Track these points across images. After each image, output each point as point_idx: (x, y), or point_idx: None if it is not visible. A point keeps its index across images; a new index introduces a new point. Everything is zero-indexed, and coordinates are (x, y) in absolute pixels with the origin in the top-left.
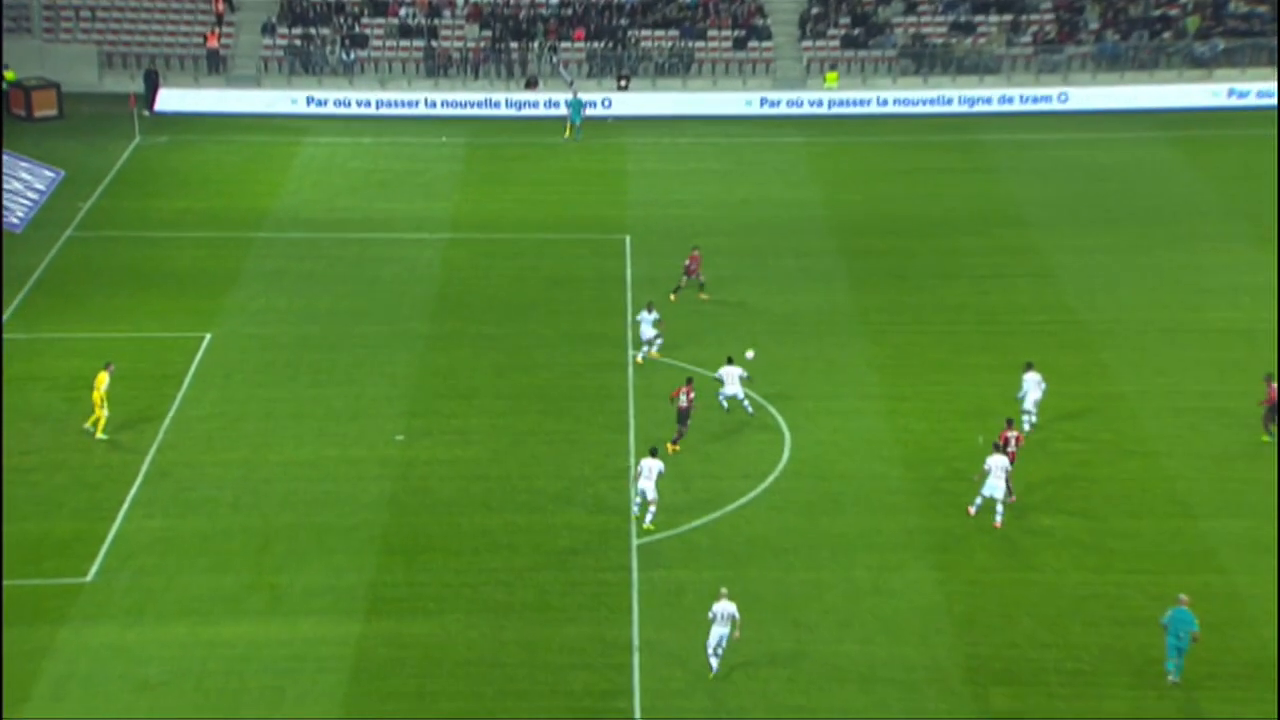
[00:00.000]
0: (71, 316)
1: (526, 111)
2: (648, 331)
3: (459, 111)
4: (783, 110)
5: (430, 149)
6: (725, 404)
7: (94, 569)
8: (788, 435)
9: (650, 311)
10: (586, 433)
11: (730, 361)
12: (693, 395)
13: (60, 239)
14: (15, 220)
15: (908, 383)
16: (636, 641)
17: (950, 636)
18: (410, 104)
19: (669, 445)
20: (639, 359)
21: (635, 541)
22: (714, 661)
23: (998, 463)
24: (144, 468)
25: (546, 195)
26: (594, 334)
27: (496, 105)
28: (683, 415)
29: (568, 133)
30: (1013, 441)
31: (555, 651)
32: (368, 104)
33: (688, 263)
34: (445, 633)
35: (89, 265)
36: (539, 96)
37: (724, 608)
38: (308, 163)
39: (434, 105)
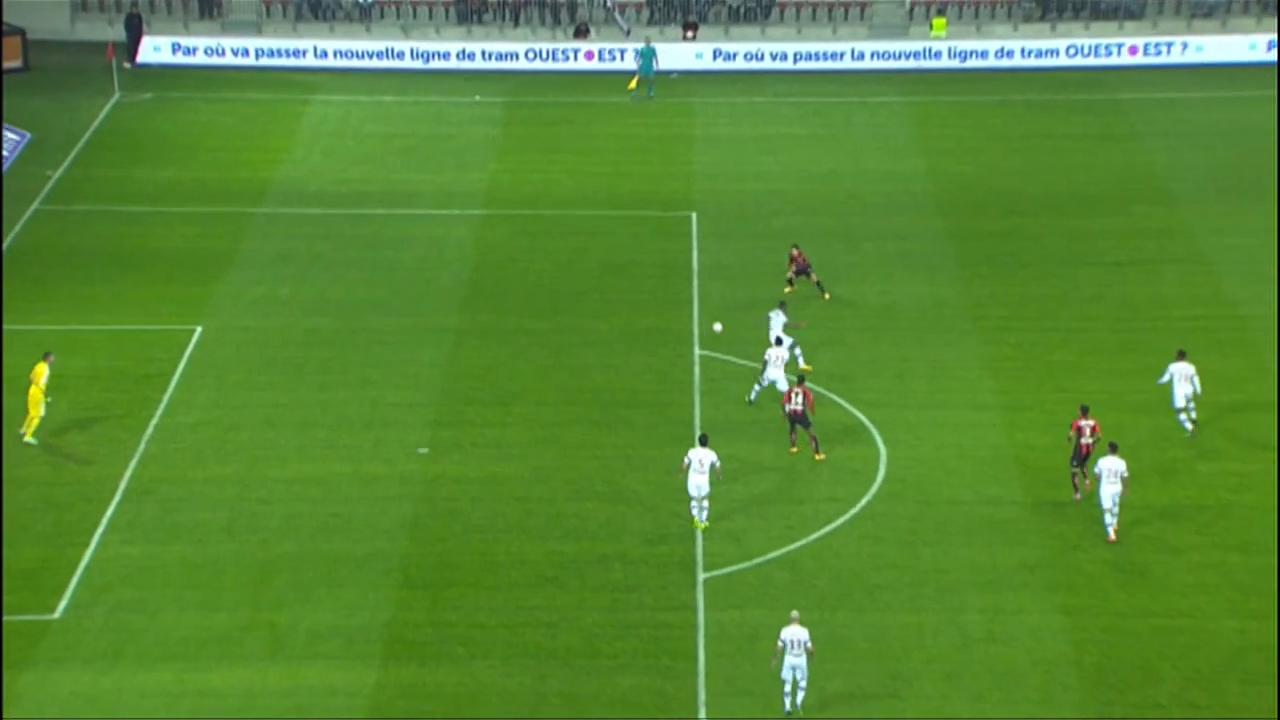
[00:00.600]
0: (38, 305)
1: (575, 64)
2: (779, 334)
3: (495, 65)
4: (880, 64)
5: (462, 109)
6: (755, 396)
7: (63, 604)
8: (883, 450)
9: (780, 313)
10: (645, 447)
11: (779, 342)
12: (803, 395)
13: (25, 214)
14: None
15: (1028, 389)
16: (703, 696)
17: (1078, 694)
18: (439, 55)
19: (791, 449)
20: (803, 365)
21: (701, 576)
22: (789, 701)
23: (1110, 466)
24: (122, 485)
25: (599, 165)
26: (654, 330)
27: (540, 57)
28: (801, 418)
29: (633, 84)
30: (1087, 431)
31: (606, 707)
32: (388, 55)
33: (796, 264)
34: (476, 682)
35: (59, 245)
36: (590, 46)
37: (796, 634)
38: (317, 125)
39: (467, 57)
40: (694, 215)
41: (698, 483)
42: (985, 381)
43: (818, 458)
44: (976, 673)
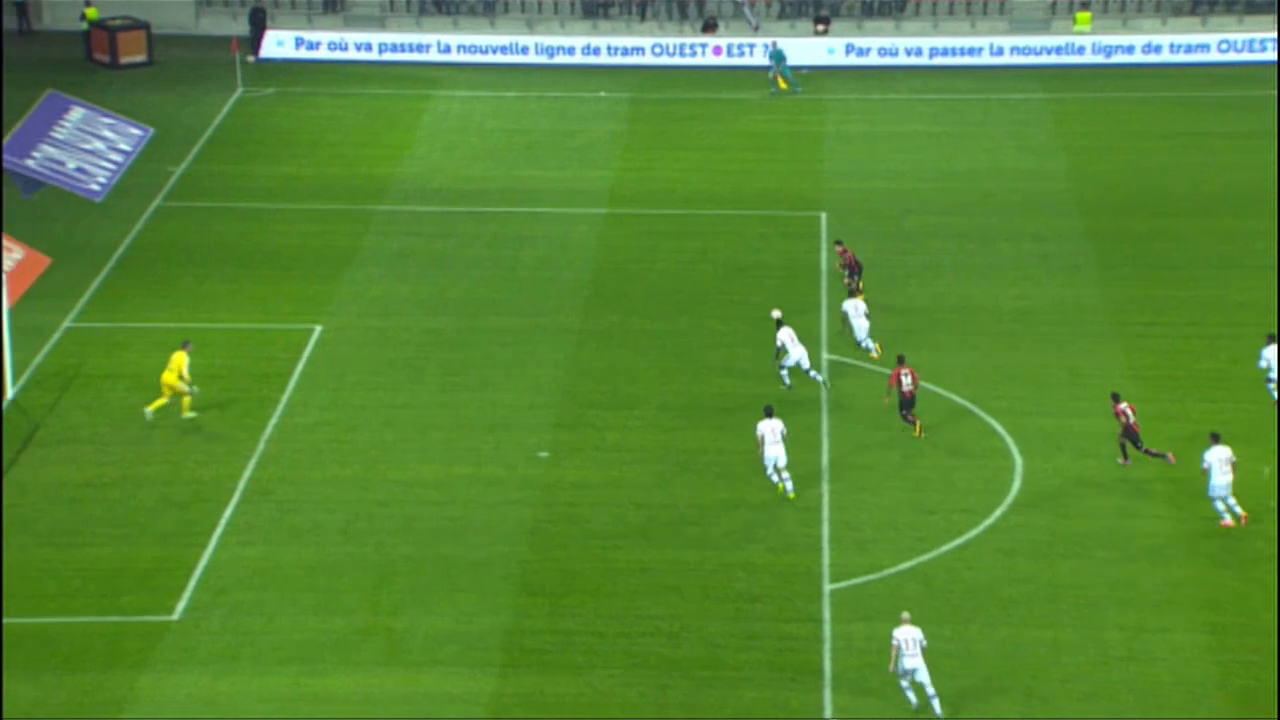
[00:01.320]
0: (158, 303)
1: (703, 60)
2: (859, 324)
3: (621, 60)
4: (1020, 59)
5: (586, 105)
6: (788, 379)
7: (181, 605)
8: (1019, 460)
9: (857, 301)
10: None
11: (780, 323)
12: (911, 375)
13: (147, 210)
14: (96, 187)
15: (1173, 399)
16: (829, 711)
17: (1223, 717)
18: (563, 50)
19: (916, 432)
20: (874, 353)
21: (828, 586)
22: (913, 697)
23: (1221, 455)
24: (241, 485)
25: (726, 163)
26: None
27: (667, 52)
28: (912, 400)
29: (781, 84)
30: (1129, 414)
31: None
32: (512, 50)
33: (845, 261)
34: (595, 692)
35: (180, 242)
36: (719, 41)
37: (909, 633)
38: (439, 121)
39: (592, 52)
40: (823, 215)
41: (775, 454)
42: (1127, 390)
43: (918, 435)
44: (1116, 692)
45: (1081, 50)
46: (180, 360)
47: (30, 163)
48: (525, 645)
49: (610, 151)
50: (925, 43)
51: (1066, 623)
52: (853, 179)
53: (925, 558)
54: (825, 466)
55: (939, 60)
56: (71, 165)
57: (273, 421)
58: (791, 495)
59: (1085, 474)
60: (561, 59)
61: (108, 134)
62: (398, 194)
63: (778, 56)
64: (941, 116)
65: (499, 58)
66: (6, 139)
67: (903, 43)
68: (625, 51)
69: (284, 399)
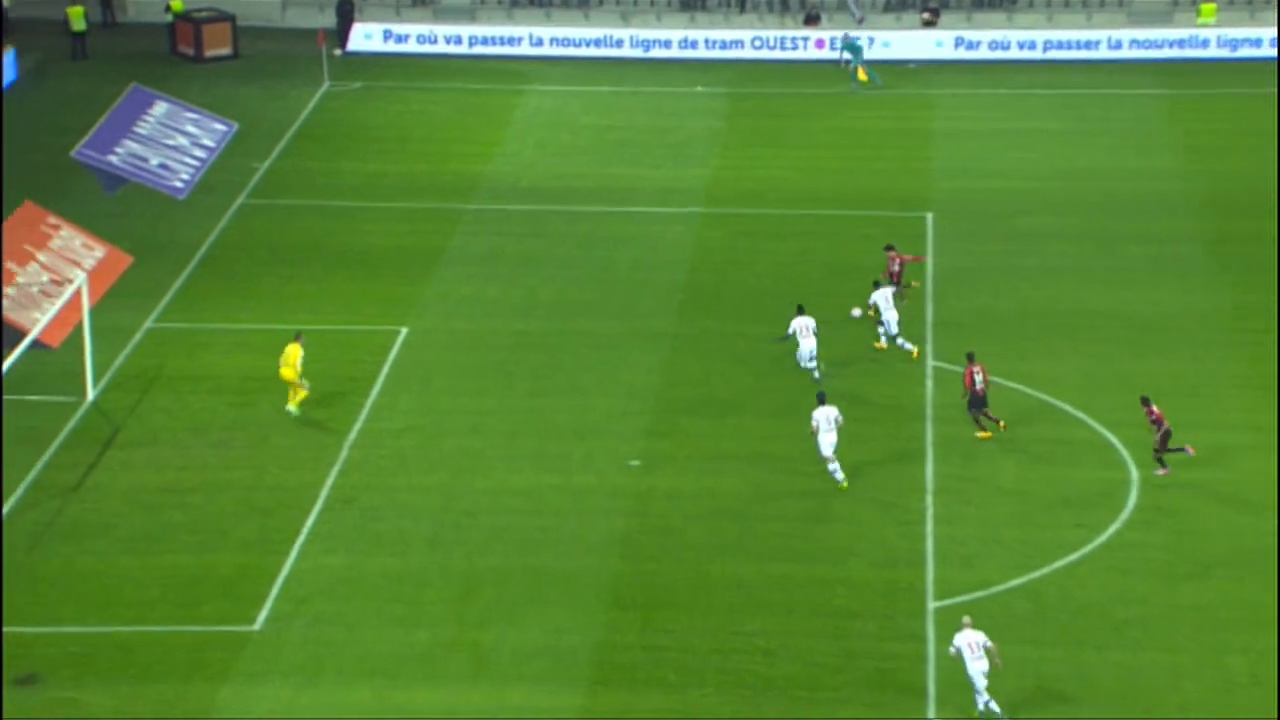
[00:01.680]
0: (241, 303)
1: (805, 54)
2: (889, 314)
3: (719, 54)
4: (1140, 53)
5: (683, 101)
6: (815, 368)
7: (263, 615)
8: (1134, 473)
9: (879, 289)
10: (873, 463)
11: (801, 311)
12: (981, 372)
13: (231, 208)
14: (179, 183)
15: None
16: None
17: None
18: (659, 44)
19: (999, 425)
20: (915, 353)
21: (932, 604)
22: (983, 700)
23: None
24: (324, 492)
25: (828, 161)
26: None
27: (767, 45)
28: (979, 400)
29: (863, 76)
30: (1163, 419)
31: None
32: (606, 43)
33: (895, 267)
34: (688, 710)
35: (264, 240)
36: (821, 34)
37: (973, 637)
38: (531, 117)
39: (689, 45)
40: (929, 216)
41: (832, 440)
42: (1250, 400)
43: (981, 435)
44: None
45: (1205, 44)
46: (295, 353)
47: (113, 159)
48: (616, 661)
49: (707, 149)
50: (1039, 35)
51: (1185, 646)
52: (962, 178)
53: (1035, 575)
54: (930, 477)
55: (1054, 54)
56: (154, 161)
57: (357, 426)
58: (844, 484)
59: (1204, 488)
60: (658, 53)
61: (191, 129)
62: (487, 192)
63: (853, 49)
64: (1056, 113)
65: (593, 51)
66: (89, 134)
67: (1015, 35)
68: (724, 45)
69: (369, 403)
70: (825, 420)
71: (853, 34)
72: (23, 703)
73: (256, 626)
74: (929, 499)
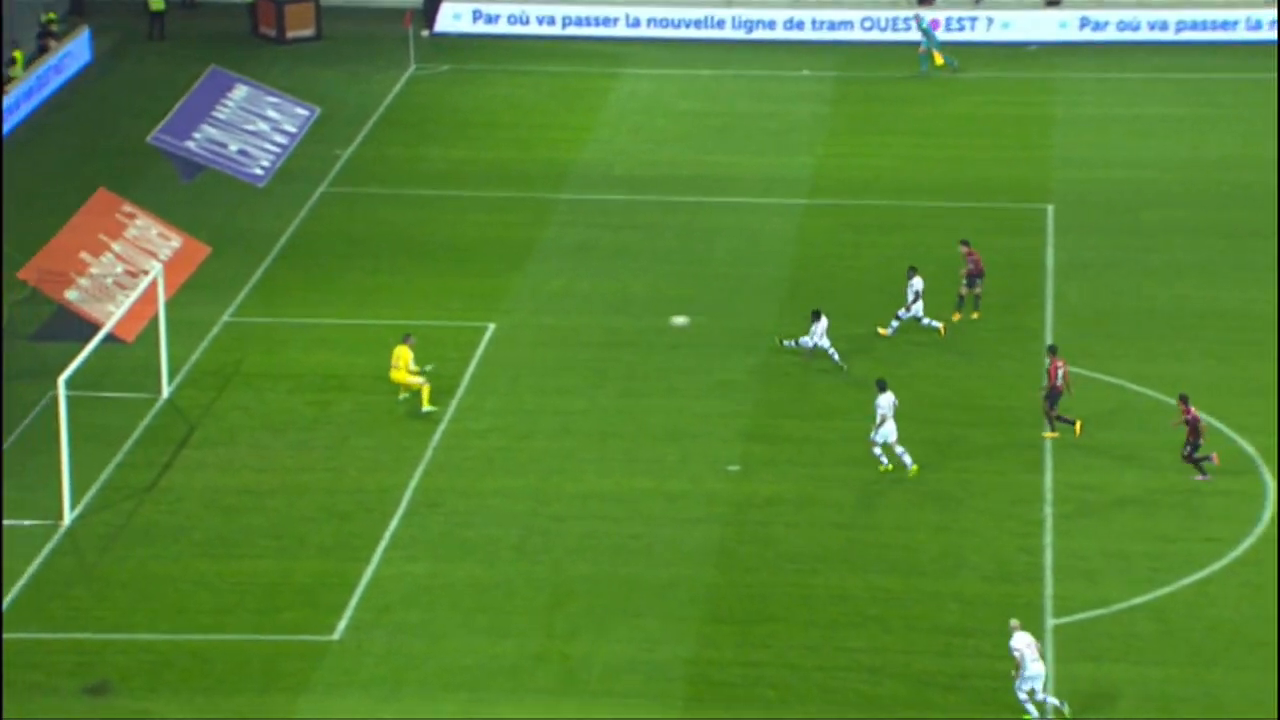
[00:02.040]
0: (322, 296)
1: (918, 35)
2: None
3: (827, 35)
4: None
5: (787, 85)
6: (836, 357)
7: (342, 624)
8: (1270, 484)
9: (915, 276)
10: (985, 469)
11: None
12: (1064, 367)
13: (312, 196)
14: (259, 171)
15: None
16: None
17: None
18: (763, 24)
19: (1074, 427)
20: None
21: (1050, 621)
22: (1039, 706)
23: None
24: (407, 495)
25: (941, 149)
26: (998, 337)
27: (877, 26)
28: (1056, 396)
29: (936, 59)
30: (1194, 419)
31: None
32: (706, 24)
33: (970, 266)
34: None
35: (346, 231)
36: (935, 14)
37: (1028, 640)
38: (625, 102)
39: (794, 26)
40: (1050, 208)
41: (894, 428)
42: None
43: (1049, 435)
44: None
45: None
46: (405, 355)
47: (190, 144)
48: (711, 677)
49: (812, 136)
50: (1171, 15)
51: None
52: (1084, 168)
53: (1161, 591)
54: (1048, 486)
55: (1187, 35)
56: (233, 147)
57: (441, 427)
58: (914, 469)
59: None
60: (761, 34)
61: (272, 114)
62: (579, 181)
63: (926, 31)
64: (1187, 98)
65: (692, 32)
66: (167, 119)
67: (1145, 16)
68: (831, 26)
69: (454, 403)
70: (890, 407)
71: (924, 14)
72: (93, 713)
73: (336, 636)
74: (1047, 509)
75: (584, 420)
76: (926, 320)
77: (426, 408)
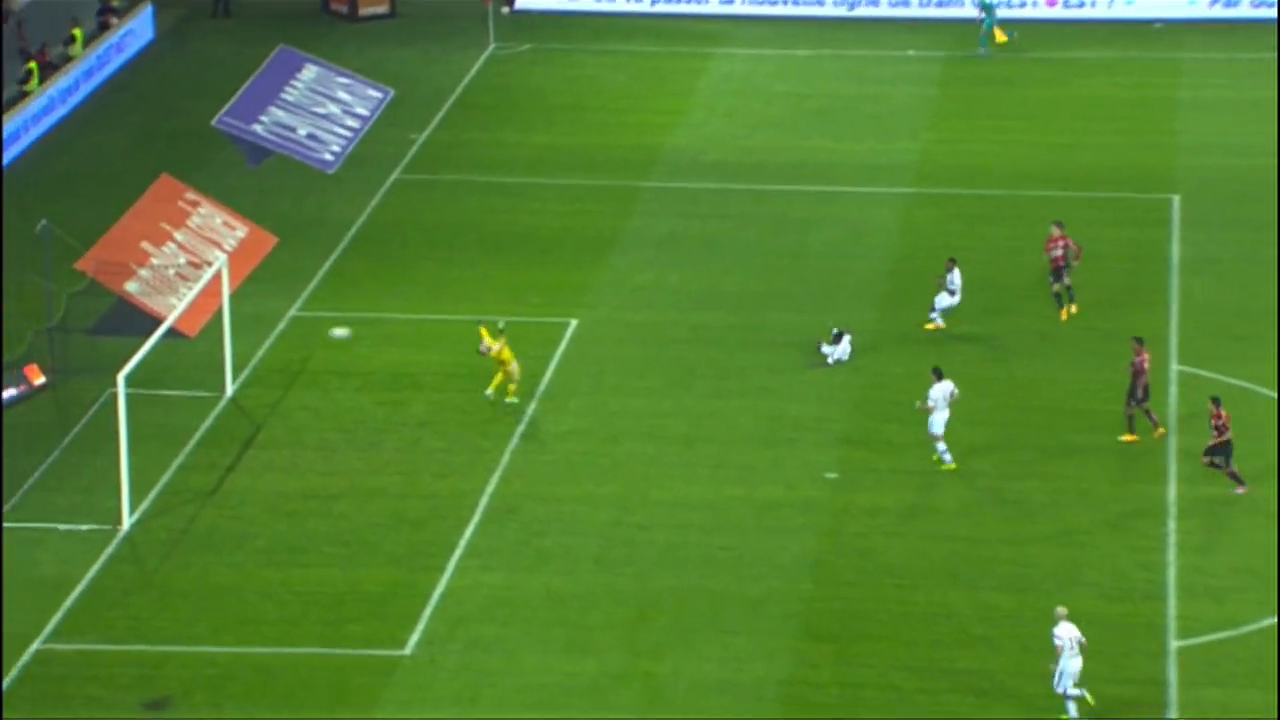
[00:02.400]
0: (395, 290)
1: (1032, 13)
2: (945, 299)
3: (934, 12)
4: None
5: (891, 66)
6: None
7: (414, 638)
8: None
9: (950, 273)
10: (1101, 480)
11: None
12: (1146, 358)
13: (385, 183)
14: (329, 156)
15: None
16: None
17: None
18: (866, 1)
19: (1156, 430)
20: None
21: (1173, 643)
22: (1073, 706)
23: None
24: (483, 502)
25: (1057, 134)
26: (1118, 337)
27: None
28: (1139, 383)
29: (998, 37)
30: (1224, 423)
31: None
32: (805, 1)
33: (1058, 252)
34: None
35: (420, 220)
36: None
37: (1072, 631)
38: (718, 83)
39: (900, 3)
40: (1175, 198)
41: (945, 419)
42: None
43: (1128, 438)
44: None
45: None
46: (507, 355)
47: (257, 128)
48: (806, 699)
49: (917, 120)
50: None
51: None
52: (1213, 155)
53: None
54: (1172, 498)
55: None
56: (302, 131)
57: (519, 429)
58: (952, 466)
59: None
60: (864, 11)
61: (343, 96)
62: (668, 168)
63: (987, 7)
64: None
65: (789, 9)
66: (232, 101)
67: None
68: (939, 3)
69: (533, 403)
70: (943, 396)
71: None
72: None
73: (407, 651)
74: (1171, 523)
75: (671, 423)
76: (936, 314)
77: (510, 399)
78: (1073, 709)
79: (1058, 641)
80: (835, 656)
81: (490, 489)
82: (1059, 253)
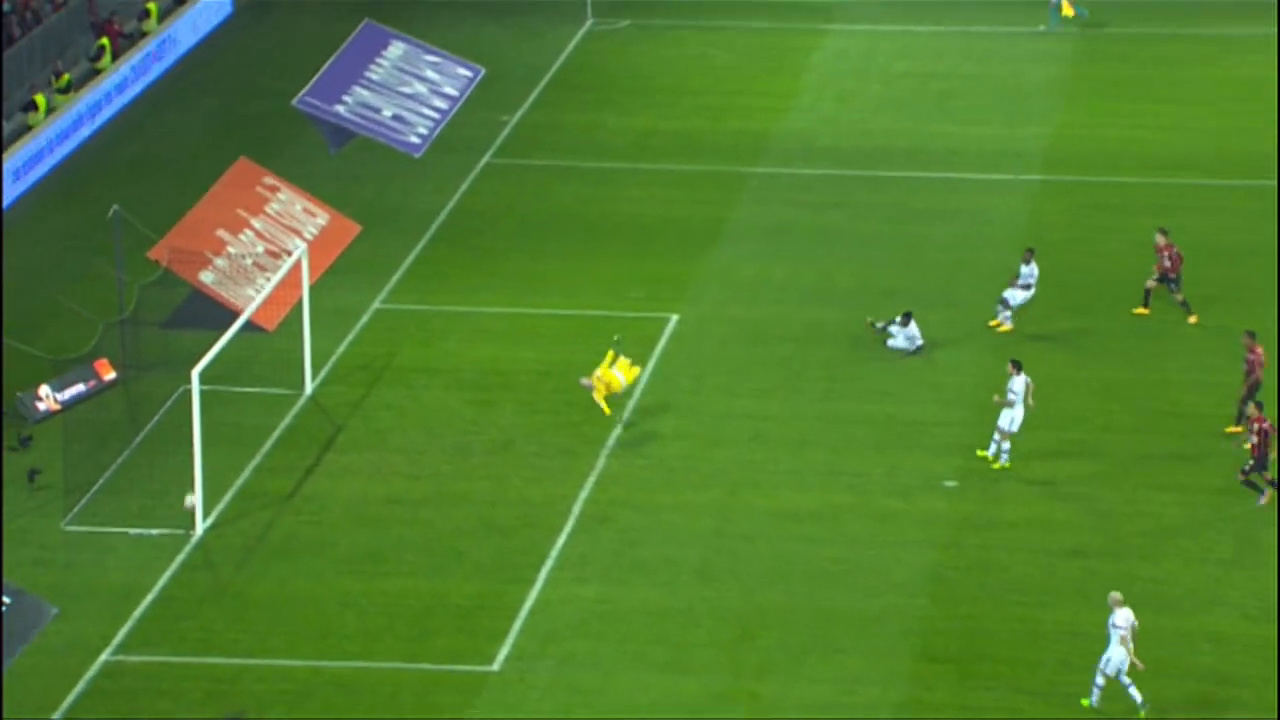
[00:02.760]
0: (484, 282)
1: None
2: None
3: None
4: None
5: (1021, 43)
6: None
7: (503, 654)
8: None
9: (1027, 265)
10: (1245, 490)
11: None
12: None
13: (475, 168)
14: (415, 139)
15: None
16: None
17: None
18: None
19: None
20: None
21: None
22: (1137, 693)
23: None
24: (576, 509)
25: (1200, 118)
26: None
27: None
28: (1252, 380)
29: (1065, 10)
30: (1257, 427)
31: None
32: None
33: (1166, 262)
34: None
35: (512, 208)
36: None
37: (1130, 617)
38: (833, 62)
39: None
40: None
41: (1020, 416)
42: None
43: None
44: None
45: None
46: (630, 371)
47: (340, 109)
48: None
49: (1049, 102)
50: None
51: None
52: None
53: None
54: None
55: None
56: (388, 113)
57: (616, 432)
58: (1007, 465)
59: None
60: None
61: (431, 75)
62: (777, 153)
63: None
64: None
65: None
66: (313, 80)
67: None
68: None
69: (631, 404)
70: (1024, 391)
71: None
72: None
73: (495, 667)
74: None
75: (779, 426)
76: (1007, 314)
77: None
78: (1095, 696)
79: (1119, 631)
80: (954, 679)
81: (584, 495)
82: (1167, 263)
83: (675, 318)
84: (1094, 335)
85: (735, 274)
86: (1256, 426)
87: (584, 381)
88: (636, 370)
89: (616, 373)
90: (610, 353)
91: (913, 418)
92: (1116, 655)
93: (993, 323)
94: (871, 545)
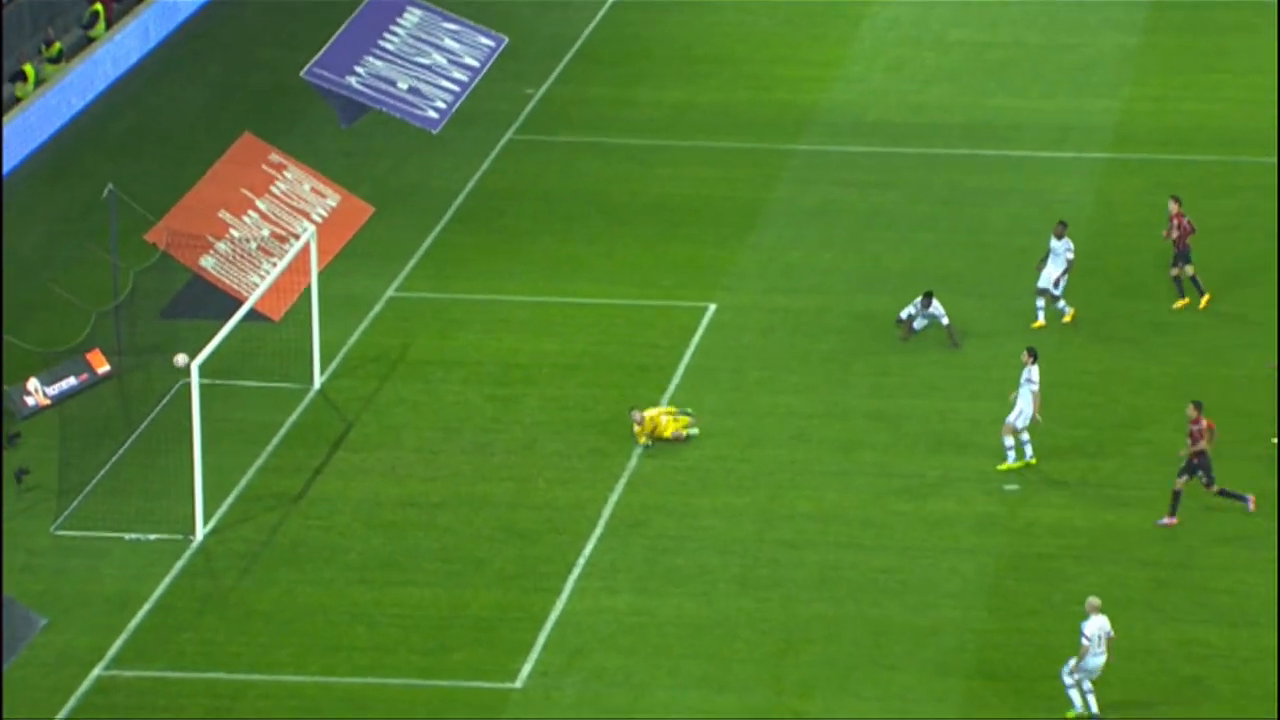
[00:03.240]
0: (507, 268)
1: None
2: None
3: None
4: None
5: (1088, 9)
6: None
7: (526, 669)
8: None
9: (1060, 239)
10: None
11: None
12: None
13: (496, 145)
14: (433, 114)
15: None
16: None
17: None
18: None
19: None
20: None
21: None
22: (1083, 697)
23: None
24: (605, 513)
25: None
26: None
27: None
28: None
29: None
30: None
31: None
32: None
33: (1175, 234)
34: None
35: (536, 188)
36: None
37: (1103, 625)
38: (882, 30)
39: None
40: None
41: (1030, 413)
42: None
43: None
44: None
45: None
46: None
47: (352, 81)
48: None
49: (1118, 74)
50: None
51: None
52: None
53: None
54: None
55: None
56: (403, 85)
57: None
58: (1017, 465)
59: None
60: None
61: (450, 44)
62: (823, 129)
63: None
64: None
65: None
66: (323, 50)
67: None
68: None
69: (664, 399)
70: (1034, 376)
71: None
72: None
73: (518, 683)
74: None
75: (823, 425)
76: (1063, 303)
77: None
78: (1076, 699)
79: (1084, 641)
80: (1014, 697)
81: (614, 499)
82: (1175, 234)
83: (713, 307)
84: (1165, 325)
85: (777, 260)
86: (1193, 428)
87: (635, 415)
88: (687, 423)
89: (665, 419)
90: (671, 406)
91: (970, 414)
92: (1092, 664)
93: (1061, 318)
94: (924, 553)
